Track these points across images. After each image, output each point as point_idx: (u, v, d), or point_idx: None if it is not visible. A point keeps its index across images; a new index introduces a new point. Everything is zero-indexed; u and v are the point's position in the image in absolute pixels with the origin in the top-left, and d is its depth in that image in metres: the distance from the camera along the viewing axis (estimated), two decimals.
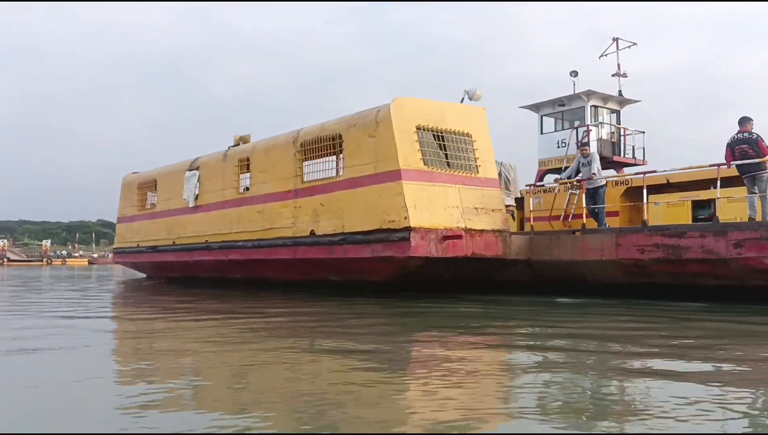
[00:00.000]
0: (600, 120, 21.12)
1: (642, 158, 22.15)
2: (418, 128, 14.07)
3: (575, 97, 20.66)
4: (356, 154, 14.67)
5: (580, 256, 13.81)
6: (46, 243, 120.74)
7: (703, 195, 16.81)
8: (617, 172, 21.47)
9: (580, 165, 14.59)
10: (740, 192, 16.52)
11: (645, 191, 13.74)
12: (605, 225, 14.63)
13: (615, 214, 15.98)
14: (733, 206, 18.90)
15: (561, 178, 15.28)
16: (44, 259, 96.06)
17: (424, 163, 13.90)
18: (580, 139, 20.00)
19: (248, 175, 18.52)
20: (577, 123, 20.85)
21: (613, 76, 22.55)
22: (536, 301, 12.73)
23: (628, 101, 21.82)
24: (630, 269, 13.22)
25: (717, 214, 16.16)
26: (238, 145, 19.69)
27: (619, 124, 21.56)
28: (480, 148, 14.86)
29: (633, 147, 22.08)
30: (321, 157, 16.01)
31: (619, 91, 21.90)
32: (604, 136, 21.21)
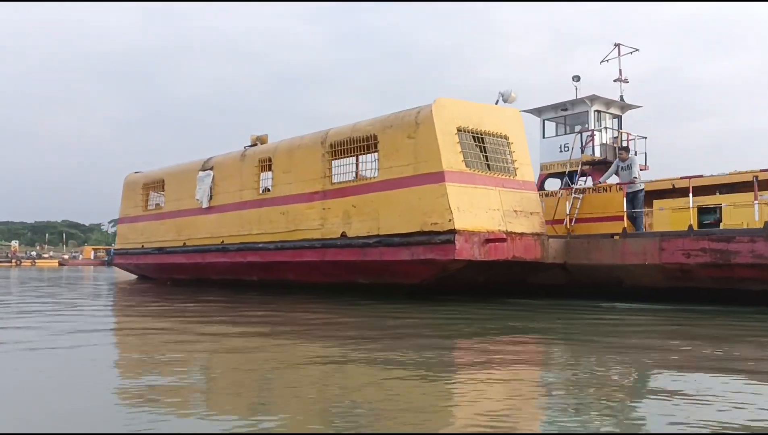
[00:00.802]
0: (602, 125, 21.10)
1: (644, 163, 22.24)
2: (458, 130, 13.83)
3: (579, 101, 20.59)
4: (393, 155, 14.36)
5: (620, 260, 13.67)
6: (15, 244, 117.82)
7: (708, 200, 16.88)
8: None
9: (619, 169, 14.45)
10: (743, 198, 16.64)
11: (691, 196, 13.69)
12: (642, 229, 14.51)
13: (619, 218, 15.69)
14: (738, 212, 18.99)
15: (600, 182, 15.11)
16: (13, 260, 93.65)
17: (466, 165, 13.66)
18: (584, 143, 19.96)
19: (268, 175, 18.11)
20: (578, 127, 20.77)
21: (615, 81, 22.57)
22: (596, 307, 12.51)
23: (630, 106, 21.83)
24: (673, 274, 13.11)
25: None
26: (256, 145, 19.24)
27: (621, 129, 21.58)
28: (517, 151, 14.67)
29: (635, 152, 22.15)
30: (351, 158, 15.69)
31: (621, 97, 21.91)
32: (607, 141, 21.20)
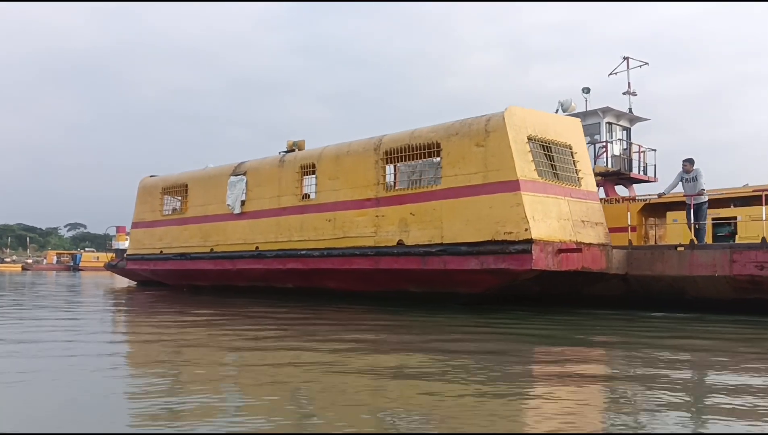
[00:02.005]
0: (613, 136, 21.16)
1: (654, 175, 22.41)
2: (528, 138, 13.59)
3: (591, 113, 20.57)
4: (458, 163, 14.06)
5: (687, 271, 13.56)
6: None
7: (723, 213, 17.01)
8: (627, 189, 21.62)
9: (683, 180, 14.38)
10: (759, 211, 16.79)
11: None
12: (704, 241, 14.46)
13: (624, 229, 15.60)
14: (754, 225, 19.18)
15: (665, 194, 15.01)
16: None
17: (538, 174, 13.43)
18: (596, 154, 19.99)
19: (309, 181, 17.63)
20: (589, 139, 20.78)
21: (624, 94, 22.68)
22: (673, 318, 12.35)
23: (639, 119, 21.95)
24: (743, 285, 13.05)
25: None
26: (293, 150, 18.76)
27: (631, 141, 21.68)
28: (581, 160, 14.52)
29: (646, 164, 22.31)
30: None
31: (629, 109, 22.01)
32: (617, 153, 21.27)
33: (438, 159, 15.10)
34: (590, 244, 13.74)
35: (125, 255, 24.38)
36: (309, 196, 17.63)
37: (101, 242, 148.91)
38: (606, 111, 20.32)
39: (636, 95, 22.77)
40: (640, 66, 23.75)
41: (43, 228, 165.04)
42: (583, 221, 13.88)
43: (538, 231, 12.84)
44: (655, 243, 17.74)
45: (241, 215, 19.02)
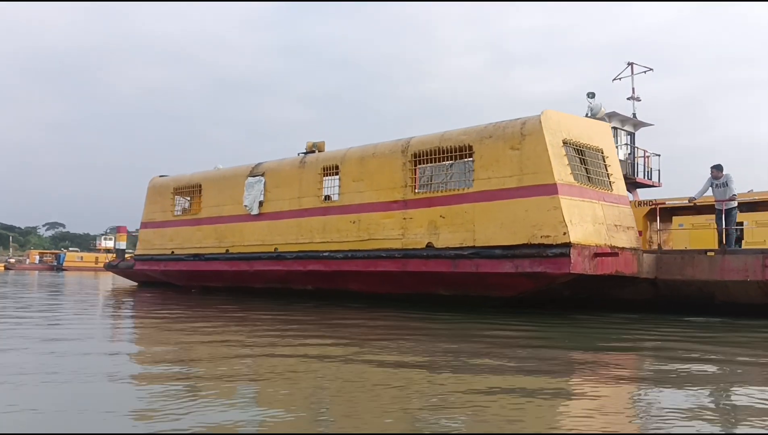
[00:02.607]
0: (619, 141, 21.22)
1: (657, 180, 22.52)
2: (564, 142, 13.54)
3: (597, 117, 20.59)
4: (492, 166, 13.96)
5: (718, 276, 13.57)
6: None
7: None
8: (631, 193, 21.69)
9: (714, 186, 14.38)
10: (765, 217, 16.90)
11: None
12: (733, 246, 14.48)
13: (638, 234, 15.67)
14: (761, 231, 19.30)
15: (695, 198, 15.00)
16: None
17: (574, 178, 13.37)
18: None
19: (330, 183, 17.46)
20: None
21: (628, 99, 22.77)
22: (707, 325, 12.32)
23: (643, 124, 22.04)
24: None
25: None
26: (313, 151, 18.57)
27: (635, 146, 21.76)
28: (612, 165, 14.49)
29: (650, 169, 22.41)
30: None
31: (633, 114, 22.10)
32: (622, 157, 21.33)
33: (452, 162, 15.08)
34: (623, 248, 13.70)
35: (134, 255, 23.96)
36: (330, 197, 17.46)
37: (81, 242, 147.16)
38: (612, 116, 20.34)
39: (640, 100, 22.88)
40: (645, 72, 23.89)
41: (23, 227, 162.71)
42: (615, 225, 13.85)
43: (576, 235, 12.78)
44: (659, 247, 17.78)
45: (259, 216, 18.78)
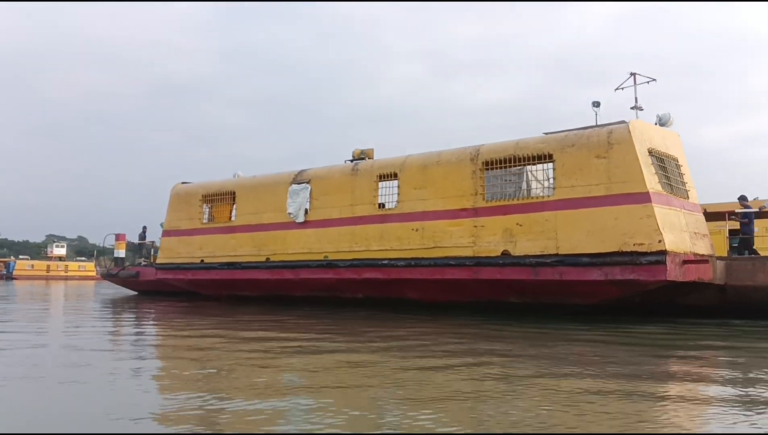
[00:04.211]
0: None
1: None
2: (649, 151, 13.51)
3: (605, 126, 20.75)
4: (575, 174, 13.80)
5: None
6: None
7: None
8: None
9: None
10: None
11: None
12: None
13: None
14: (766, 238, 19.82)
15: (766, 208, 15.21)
16: None
17: (661, 187, 13.35)
18: None
19: (385, 190, 17.04)
20: None
21: (632, 108, 23.07)
22: None
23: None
24: None
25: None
26: (362, 159, 18.11)
27: None
28: (686, 173, 14.54)
29: None
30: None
31: None
32: None
33: (519, 168, 14.93)
34: (702, 254, 13.75)
35: (155, 263, 22.90)
36: (383, 205, 17.03)
37: (21, 250, 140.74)
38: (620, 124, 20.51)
39: (642, 110, 23.17)
40: (648, 82, 24.23)
41: None
42: (695, 233, 13.89)
43: (669, 242, 12.74)
44: None
45: (305, 224, 18.17)
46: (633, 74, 23.83)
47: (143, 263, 28.39)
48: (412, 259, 15.88)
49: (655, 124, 14.95)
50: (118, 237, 28.94)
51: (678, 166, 14.37)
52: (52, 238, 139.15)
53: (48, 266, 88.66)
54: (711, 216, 16.60)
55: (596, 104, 22.45)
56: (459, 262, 15.11)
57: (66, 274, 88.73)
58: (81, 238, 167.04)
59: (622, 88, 24.01)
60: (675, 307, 14.71)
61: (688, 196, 14.25)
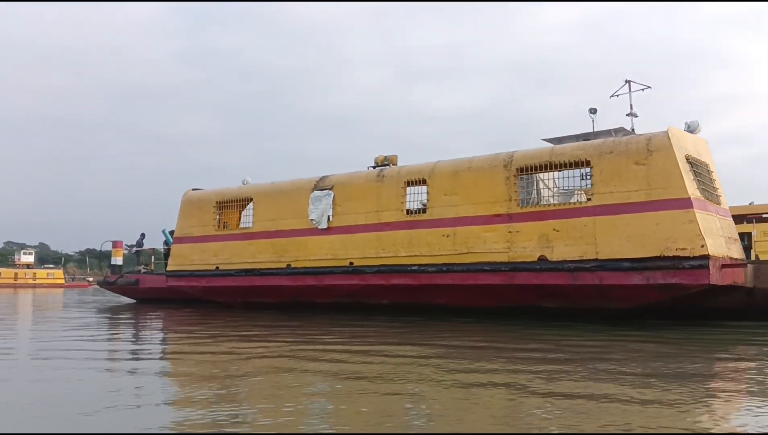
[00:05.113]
0: None
1: None
2: (686, 158, 13.71)
3: (604, 132, 21.06)
4: (614, 180, 13.92)
5: None
6: None
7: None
8: None
9: None
10: None
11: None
12: None
13: None
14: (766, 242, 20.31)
15: None
16: None
17: (700, 193, 13.56)
18: None
19: (413, 197, 17.00)
20: None
21: (627, 115, 23.47)
22: None
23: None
24: None
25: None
26: (386, 165, 18.03)
27: None
28: (716, 179, 14.78)
29: None
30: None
31: (632, 129, 22.80)
32: None
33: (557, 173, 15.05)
34: (737, 259, 13.99)
35: (166, 271, 22.42)
36: (410, 211, 16.98)
37: None
38: (618, 131, 20.79)
39: (637, 116, 23.55)
40: (642, 90, 24.62)
41: None
42: (728, 237, 14.12)
43: (711, 247, 12.93)
44: None
45: (328, 230, 17.99)
46: (628, 81, 24.18)
47: (143, 270, 27.80)
48: (443, 264, 15.84)
49: (684, 131, 15.17)
50: (116, 244, 28.32)
51: (709, 172, 14.60)
52: (12, 245, 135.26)
53: (16, 274, 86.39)
54: None
55: (593, 111, 22.74)
56: (494, 268, 15.11)
57: (34, 281, 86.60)
58: (43, 245, 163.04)
59: (618, 96, 24.42)
60: (702, 310, 14.95)
61: (720, 202, 14.48)
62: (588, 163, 14.34)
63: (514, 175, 15.22)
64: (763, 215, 23.51)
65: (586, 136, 21.39)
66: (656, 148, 13.51)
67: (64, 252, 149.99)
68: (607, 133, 20.80)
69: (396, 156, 18.16)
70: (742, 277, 14.14)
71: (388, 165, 18.01)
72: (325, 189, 18.23)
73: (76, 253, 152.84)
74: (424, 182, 16.60)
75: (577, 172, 14.85)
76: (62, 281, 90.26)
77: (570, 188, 15.40)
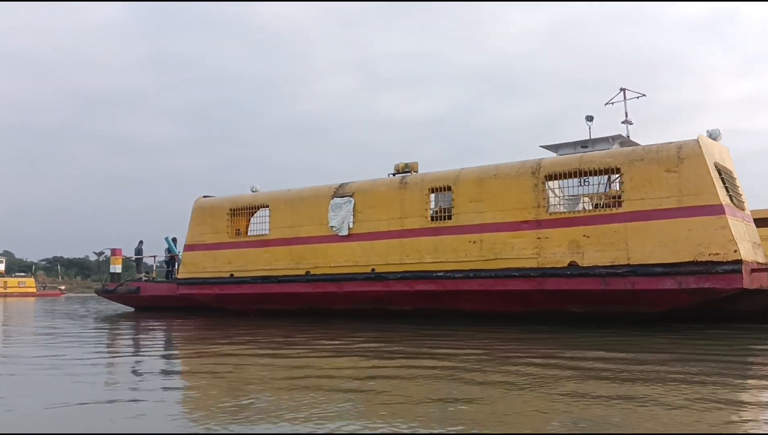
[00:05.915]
0: None
1: None
2: (715, 165, 14.00)
3: (602, 140, 21.33)
4: (645, 187, 14.14)
5: None
6: None
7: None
8: None
9: None
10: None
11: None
12: None
13: None
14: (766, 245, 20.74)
15: None
16: None
17: (729, 199, 13.85)
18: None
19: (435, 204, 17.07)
20: None
21: (622, 123, 23.86)
22: None
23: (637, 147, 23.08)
24: None
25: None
26: (407, 172, 18.07)
27: None
28: (739, 186, 15.10)
29: None
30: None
31: (627, 136, 23.20)
32: None
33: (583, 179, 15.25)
34: (763, 263, 14.30)
35: (176, 278, 22.10)
36: (434, 217, 17.02)
37: None
38: (616, 138, 21.12)
39: (632, 124, 23.93)
40: (638, 97, 25.03)
41: None
42: (754, 242, 14.43)
43: (743, 252, 13.21)
44: None
45: (349, 237, 17.94)
46: (623, 89, 24.56)
47: (144, 278, 27.38)
48: (470, 270, 15.90)
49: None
50: (114, 252, 27.84)
51: (733, 179, 14.91)
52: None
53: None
54: None
55: (590, 118, 23.02)
56: (523, 274, 15.22)
57: (5, 290, 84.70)
58: (7, 253, 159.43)
59: (612, 103, 24.79)
60: (725, 313, 15.24)
61: (744, 208, 14.80)
62: (618, 171, 14.55)
63: (542, 182, 15.36)
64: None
65: (583, 144, 21.64)
66: (687, 155, 13.75)
67: (29, 260, 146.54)
68: (605, 140, 21.08)
69: (417, 163, 18.22)
70: (766, 281, 14.45)
71: (409, 172, 18.04)
72: (346, 196, 18.19)
73: (43, 260, 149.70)
74: (449, 189, 16.66)
75: (595, 179, 15.05)
76: (34, 290, 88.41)
77: (575, 195, 15.65)
